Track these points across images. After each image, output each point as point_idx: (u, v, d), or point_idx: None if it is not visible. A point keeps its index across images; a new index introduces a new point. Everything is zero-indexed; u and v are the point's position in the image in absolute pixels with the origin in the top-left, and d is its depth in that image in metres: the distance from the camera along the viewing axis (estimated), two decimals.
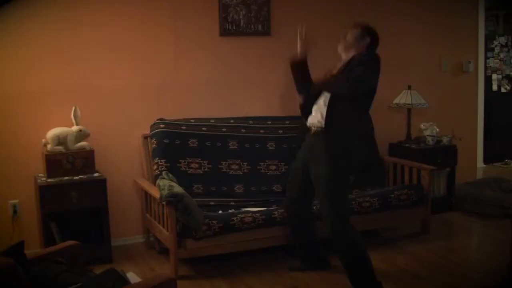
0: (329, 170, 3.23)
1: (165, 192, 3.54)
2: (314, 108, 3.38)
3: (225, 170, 4.25)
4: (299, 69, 3.47)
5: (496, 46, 7.00)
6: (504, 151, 7.04)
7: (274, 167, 4.39)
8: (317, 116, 3.33)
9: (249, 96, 4.68)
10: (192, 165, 4.16)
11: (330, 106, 3.24)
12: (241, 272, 3.73)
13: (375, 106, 4.59)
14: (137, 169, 4.32)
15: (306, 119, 3.45)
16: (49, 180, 3.81)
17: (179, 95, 4.44)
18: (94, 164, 3.97)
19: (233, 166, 4.29)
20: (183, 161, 4.13)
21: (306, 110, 3.45)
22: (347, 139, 3.23)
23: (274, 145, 4.45)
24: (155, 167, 4.06)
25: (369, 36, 3.37)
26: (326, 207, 3.31)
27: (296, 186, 3.54)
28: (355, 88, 3.17)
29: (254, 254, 3.93)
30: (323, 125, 3.25)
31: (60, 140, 3.88)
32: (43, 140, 3.92)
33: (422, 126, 5.03)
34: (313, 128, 3.35)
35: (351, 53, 3.35)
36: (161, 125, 4.18)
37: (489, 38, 6.89)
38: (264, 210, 3.86)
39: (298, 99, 3.55)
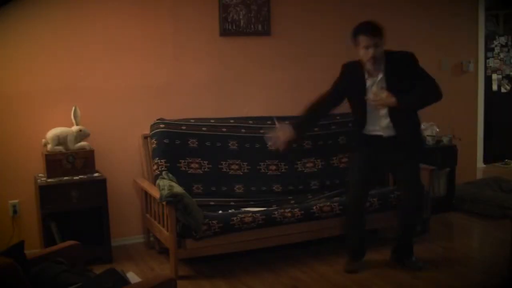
0: (416, 159, 3.71)
1: (165, 192, 3.54)
2: (372, 118, 3.57)
3: (225, 170, 4.25)
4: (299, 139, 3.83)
5: (496, 46, 7.00)
6: (504, 151, 7.04)
7: (274, 167, 4.39)
8: (383, 127, 3.56)
9: (249, 96, 4.68)
10: (192, 165, 4.16)
11: (392, 116, 3.51)
12: (241, 272, 3.73)
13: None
14: (137, 169, 4.32)
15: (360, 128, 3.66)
16: (49, 180, 3.81)
17: (179, 95, 4.44)
18: (94, 164, 3.97)
19: (233, 166, 4.29)
20: (183, 161, 4.13)
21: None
22: (417, 132, 3.75)
23: None
24: (155, 167, 4.06)
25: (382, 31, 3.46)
26: (416, 187, 3.67)
27: (363, 181, 3.66)
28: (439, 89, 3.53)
29: (254, 254, 3.93)
30: (395, 132, 3.55)
31: (60, 140, 3.88)
32: (43, 140, 3.92)
33: (422, 126, 5.02)
34: (384, 135, 3.57)
35: (381, 58, 3.45)
36: (161, 125, 4.18)
37: (489, 38, 6.90)
38: (264, 210, 3.86)
39: None
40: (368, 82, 3.51)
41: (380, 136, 3.58)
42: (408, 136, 3.59)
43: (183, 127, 4.22)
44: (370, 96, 3.47)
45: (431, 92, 3.51)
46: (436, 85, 3.50)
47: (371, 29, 3.40)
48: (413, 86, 3.47)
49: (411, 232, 3.78)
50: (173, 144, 4.13)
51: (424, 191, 3.88)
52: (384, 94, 3.41)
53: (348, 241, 3.79)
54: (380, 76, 3.48)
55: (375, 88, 3.46)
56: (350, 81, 3.60)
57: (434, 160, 4.72)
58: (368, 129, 3.61)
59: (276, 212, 3.79)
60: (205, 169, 4.19)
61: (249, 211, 3.81)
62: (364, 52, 3.42)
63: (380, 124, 3.56)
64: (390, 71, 3.47)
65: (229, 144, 4.32)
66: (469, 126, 5.71)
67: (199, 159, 4.19)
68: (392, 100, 3.40)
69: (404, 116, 3.53)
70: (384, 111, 3.50)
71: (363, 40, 3.41)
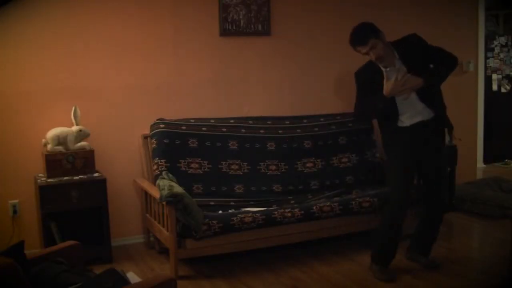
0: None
1: (165, 192, 3.54)
2: (406, 106, 3.49)
3: (225, 170, 4.25)
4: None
5: (496, 46, 7.00)
6: (504, 151, 7.04)
7: (274, 167, 4.39)
8: (420, 111, 3.50)
9: (249, 96, 4.68)
10: (192, 165, 4.16)
11: (424, 98, 3.48)
12: (241, 272, 3.73)
13: None
14: (137, 169, 4.32)
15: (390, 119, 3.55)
16: (49, 180, 3.81)
17: (179, 95, 4.44)
18: (94, 164, 3.97)
19: (233, 166, 4.29)
20: (183, 161, 4.13)
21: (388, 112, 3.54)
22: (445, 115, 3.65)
23: (274, 145, 4.45)
24: (155, 167, 4.06)
25: (378, 32, 3.45)
26: (442, 181, 3.68)
27: (408, 182, 3.56)
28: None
29: (254, 254, 3.93)
30: (434, 112, 3.52)
31: (60, 140, 3.88)
32: (43, 140, 3.92)
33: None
34: (424, 119, 3.51)
35: (387, 52, 3.46)
36: (161, 125, 4.18)
37: (489, 38, 6.90)
38: (264, 210, 3.86)
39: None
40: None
41: (421, 122, 3.51)
42: (445, 116, 3.60)
43: (183, 127, 4.22)
44: (396, 85, 3.38)
45: (448, 61, 3.54)
46: (448, 53, 3.56)
47: (358, 41, 3.43)
48: (429, 61, 3.54)
49: (436, 230, 3.75)
50: (173, 144, 4.13)
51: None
52: (410, 77, 3.38)
53: (383, 245, 3.62)
54: (398, 64, 3.48)
55: (399, 76, 3.38)
56: (372, 83, 3.53)
57: None
58: (406, 120, 3.51)
59: (276, 212, 3.79)
60: (205, 169, 4.19)
61: (249, 211, 3.81)
62: (369, 56, 3.47)
63: (416, 109, 3.50)
64: (404, 56, 3.49)
65: (229, 144, 4.32)
66: (469, 126, 5.71)
67: (199, 159, 4.19)
68: (418, 80, 3.39)
69: (433, 96, 3.53)
70: (414, 96, 3.46)
71: (359, 50, 3.46)
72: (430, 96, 3.50)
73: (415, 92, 3.45)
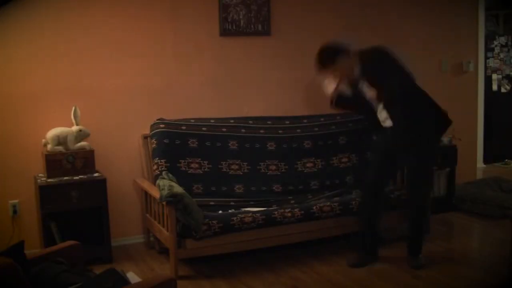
0: (421, 157, 3.75)
1: (165, 192, 3.54)
2: (379, 111, 3.70)
3: (225, 170, 4.25)
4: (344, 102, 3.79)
5: (496, 46, 7.00)
6: (504, 151, 7.04)
7: (274, 167, 4.39)
8: (384, 116, 3.68)
9: (249, 96, 4.68)
10: (192, 165, 4.16)
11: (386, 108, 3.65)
12: (241, 272, 3.73)
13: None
14: (137, 169, 4.32)
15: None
16: (49, 180, 3.81)
17: (179, 95, 4.44)
18: (94, 164, 3.97)
19: (233, 166, 4.29)
20: (183, 161, 4.13)
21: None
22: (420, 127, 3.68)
23: (274, 145, 4.45)
24: (155, 167, 4.06)
25: (337, 53, 3.61)
26: (422, 184, 3.76)
27: (385, 171, 3.79)
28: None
29: (254, 254, 3.93)
30: (392, 123, 3.64)
31: (60, 140, 3.88)
32: (43, 140, 3.92)
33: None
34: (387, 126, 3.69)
35: (350, 70, 3.61)
36: (161, 125, 4.18)
37: (489, 38, 6.90)
38: (264, 210, 3.86)
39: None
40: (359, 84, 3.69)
41: (388, 128, 3.69)
42: (407, 129, 3.61)
43: (183, 127, 4.22)
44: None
45: (391, 89, 3.58)
46: (403, 76, 3.56)
47: (318, 69, 3.66)
48: (386, 77, 3.59)
49: (416, 231, 3.81)
50: (173, 144, 4.13)
51: (429, 191, 3.97)
52: (367, 89, 3.63)
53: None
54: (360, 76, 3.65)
55: (364, 87, 3.65)
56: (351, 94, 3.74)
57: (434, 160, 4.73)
58: (383, 122, 3.73)
59: (276, 212, 3.79)
60: (205, 169, 4.19)
61: (249, 211, 3.81)
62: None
63: (381, 116, 3.70)
64: (363, 70, 3.61)
65: (229, 144, 4.32)
66: (469, 126, 5.71)
67: (199, 159, 4.19)
68: (372, 93, 3.62)
69: (399, 109, 3.58)
70: (381, 104, 3.65)
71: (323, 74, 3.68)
72: (395, 108, 3.59)
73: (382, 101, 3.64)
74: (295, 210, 3.84)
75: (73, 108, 3.97)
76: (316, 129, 4.57)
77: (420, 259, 3.78)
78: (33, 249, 3.54)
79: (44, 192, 3.73)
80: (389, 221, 4.18)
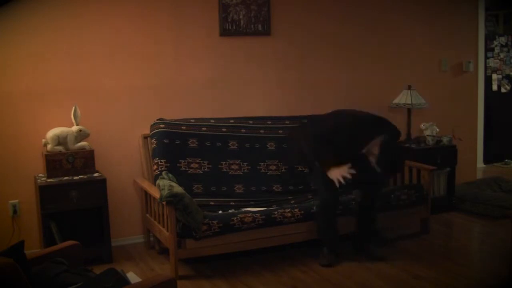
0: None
1: (165, 192, 3.54)
2: None
3: (225, 170, 4.25)
4: None
5: (496, 46, 7.00)
6: (504, 151, 7.04)
7: (274, 167, 4.39)
8: None
9: (249, 96, 4.68)
10: (192, 165, 4.16)
11: None
12: (241, 272, 3.73)
13: (375, 106, 4.62)
14: (137, 169, 4.32)
15: None
16: (49, 180, 3.81)
17: (179, 95, 4.44)
18: (94, 164, 3.97)
19: (233, 166, 4.29)
20: (183, 161, 4.13)
21: None
22: None
23: (274, 145, 4.45)
24: (155, 167, 4.06)
25: None
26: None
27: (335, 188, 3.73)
28: None
29: (254, 254, 3.93)
30: None
31: (60, 140, 3.88)
32: (43, 140, 3.91)
33: (422, 126, 5.03)
34: None
35: None
36: (161, 125, 4.18)
37: (489, 38, 6.89)
38: (264, 210, 3.86)
39: None
40: None
41: None
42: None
43: (183, 127, 4.22)
44: None
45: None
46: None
47: None
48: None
49: (363, 228, 3.98)
50: (173, 144, 4.13)
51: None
52: None
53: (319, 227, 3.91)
54: None
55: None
56: None
57: (434, 160, 4.73)
58: None
59: (276, 212, 3.79)
60: (205, 169, 4.19)
61: (249, 211, 3.81)
62: None
63: None
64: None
65: (229, 144, 4.32)
66: (469, 126, 5.71)
67: (199, 159, 4.19)
68: None
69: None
70: None
71: None
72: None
73: None
74: (295, 210, 3.84)
75: (73, 108, 3.97)
76: None
77: (376, 250, 3.95)
78: (33, 249, 3.55)
79: (44, 192, 3.72)
80: (386, 221, 4.18)
